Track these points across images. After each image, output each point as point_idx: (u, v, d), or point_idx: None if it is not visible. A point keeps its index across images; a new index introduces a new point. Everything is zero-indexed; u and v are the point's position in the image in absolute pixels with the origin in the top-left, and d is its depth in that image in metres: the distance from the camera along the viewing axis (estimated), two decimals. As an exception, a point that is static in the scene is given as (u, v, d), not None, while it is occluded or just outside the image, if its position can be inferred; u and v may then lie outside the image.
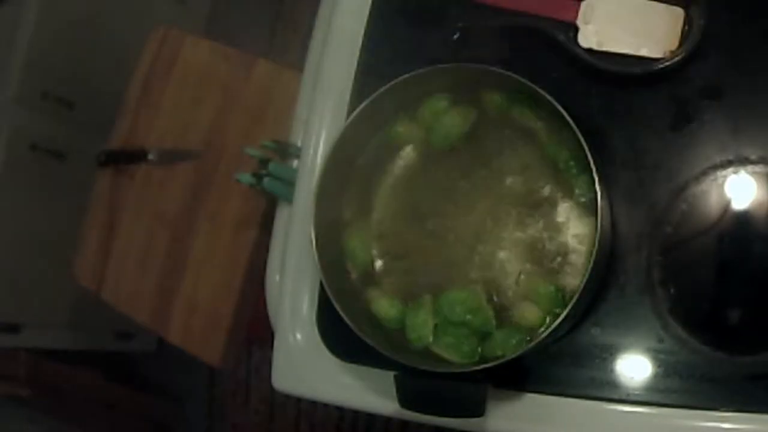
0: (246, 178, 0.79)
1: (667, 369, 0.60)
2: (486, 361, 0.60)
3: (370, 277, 0.68)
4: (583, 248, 0.62)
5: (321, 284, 0.70)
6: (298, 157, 0.78)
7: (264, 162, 0.79)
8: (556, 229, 0.63)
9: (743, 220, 0.60)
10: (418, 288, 0.66)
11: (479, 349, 0.63)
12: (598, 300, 0.63)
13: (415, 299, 0.65)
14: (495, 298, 0.63)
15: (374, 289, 0.67)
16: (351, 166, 0.68)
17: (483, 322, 0.63)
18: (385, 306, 0.66)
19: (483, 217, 0.65)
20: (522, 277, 0.63)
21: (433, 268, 0.66)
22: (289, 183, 0.78)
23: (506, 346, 0.61)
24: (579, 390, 0.62)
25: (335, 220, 0.68)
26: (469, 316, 0.63)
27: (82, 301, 1.37)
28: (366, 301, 0.66)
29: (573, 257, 0.62)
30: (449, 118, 0.67)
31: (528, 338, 0.61)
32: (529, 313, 0.62)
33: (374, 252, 0.68)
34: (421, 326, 0.64)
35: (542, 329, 0.60)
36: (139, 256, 1.27)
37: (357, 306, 0.66)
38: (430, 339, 0.64)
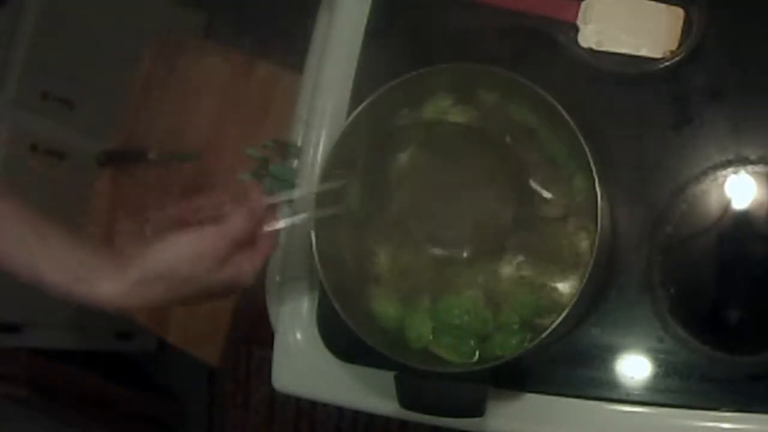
0: (246, 178, 0.79)
1: (667, 369, 0.60)
2: (486, 361, 0.60)
3: (370, 275, 0.68)
4: (583, 248, 0.62)
5: (321, 284, 0.70)
6: (298, 157, 0.78)
7: (264, 162, 0.79)
8: (555, 229, 0.63)
9: (743, 220, 0.60)
10: (418, 287, 0.66)
11: (478, 350, 0.63)
12: (598, 300, 0.63)
13: (414, 299, 0.65)
14: (493, 299, 0.64)
15: (374, 288, 0.67)
16: (351, 166, 0.68)
17: (481, 325, 0.63)
18: (384, 305, 0.66)
19: (483, 216, 0.65)
20: (517, 277, 0.63)
21: (433, 268, 0.66)
22: (289, 183, 0.78)
23: (506, 346, 0.61)
24: (579, 390, 0.62)
25: (335, 220, 0.68)
26: (466, 318, 0.63)
27: (82, 301, 1.37)
28: (366, 300, 0.66)
29: (573, 257, 0.62)
30: (451, 118, 0.67)
31: (528, 338, 0.61)
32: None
33: (374, 250, 0.68)
34: (420, 326, 0.64)
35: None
36: (139, 256, 1.27)
37: (357, 306, 0.66)
38: (430, 338, 0.64)
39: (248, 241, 0.61)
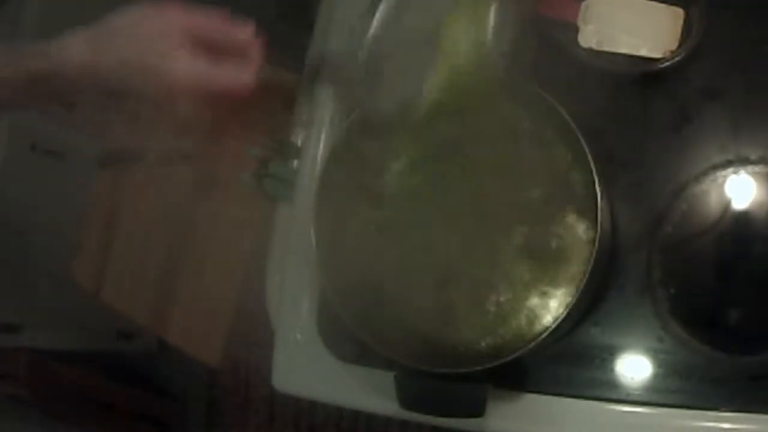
0: (246, 178, 0.79)
1: (667, 369, 0.60)
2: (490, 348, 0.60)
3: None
4: (582, 248, 0.62)
5: (321, 284, 0.71)
6: (298, 157, 0.78)
7: (264, 162, 0.79)
8: (555, 229, 0.63)
9: (743, 220, 0.60)
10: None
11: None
12: (598, 300, 0.63)
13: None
14: (493, 300, 0.64)
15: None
16: (351, 167, 0.68)
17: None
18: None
19: (482, 217, 0.65)
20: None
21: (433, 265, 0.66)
22: (289, 183, 0.78)
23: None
24: (579, 390, 0.62)
25: (335, 220, 0.68)
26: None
27: (82, 301, 1.37)
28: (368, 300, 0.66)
29: (573, 257, 0.62)
30: (444, 120, 0.67)
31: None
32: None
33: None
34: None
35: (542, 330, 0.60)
36: (139, 256, 1.27)
37: (358, 306, 0.66)
38: None
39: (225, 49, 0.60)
